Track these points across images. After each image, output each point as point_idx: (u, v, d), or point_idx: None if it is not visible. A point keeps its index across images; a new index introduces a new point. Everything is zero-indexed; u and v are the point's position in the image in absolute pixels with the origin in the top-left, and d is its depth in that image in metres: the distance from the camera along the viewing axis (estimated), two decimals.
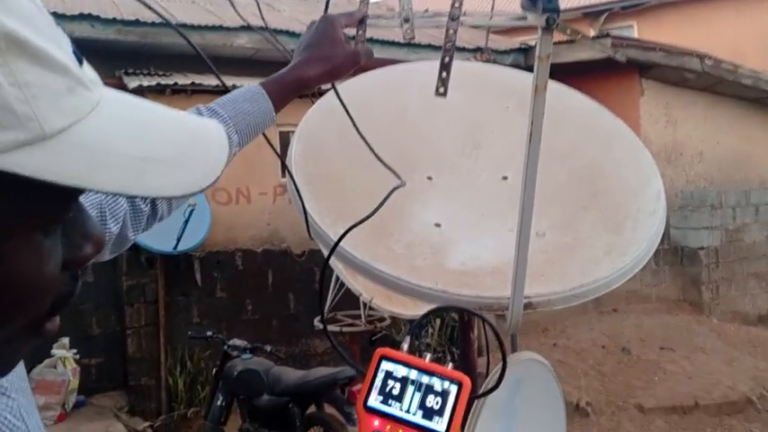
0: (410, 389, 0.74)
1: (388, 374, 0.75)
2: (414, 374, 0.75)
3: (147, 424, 5.49)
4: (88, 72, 0.45)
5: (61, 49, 0.43)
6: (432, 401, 0.74)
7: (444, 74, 0.92)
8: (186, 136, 0.50)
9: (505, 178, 1.69)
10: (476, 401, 1.34)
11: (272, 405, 4.10)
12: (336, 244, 1.02)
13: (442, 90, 0.93)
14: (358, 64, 1.04)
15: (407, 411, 0.73)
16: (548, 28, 0.93)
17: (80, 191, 0.45)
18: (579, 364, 6.30)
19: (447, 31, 0.91)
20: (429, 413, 0.73)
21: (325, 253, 1.68)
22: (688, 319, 7.62)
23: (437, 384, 0.74)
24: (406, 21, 0.95)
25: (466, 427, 1.36)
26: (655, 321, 7.39)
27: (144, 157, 0.44)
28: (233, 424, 4.67)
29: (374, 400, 0.74)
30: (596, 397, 5.80)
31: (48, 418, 5.15)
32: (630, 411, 5.64)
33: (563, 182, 1.62)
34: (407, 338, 0.80)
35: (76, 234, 0.49)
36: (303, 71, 1.02)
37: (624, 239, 1.45)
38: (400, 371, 0.75)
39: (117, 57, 6.04)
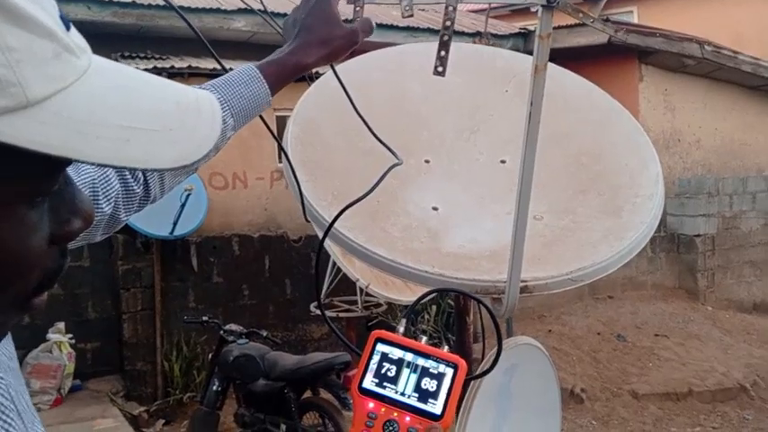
0: (405, 371, 0.73)
1: (384, 356, 0.74)
2: (409, 357, 0.74)
3: (142, 409, 5.50)
4: (76, 38, 0.44)
5: (47, 12, 0.41)
6: (427, 384, 0.73)
7: (443, 52, 0.90)
8: (177, 108, 0.48)
9: (504, 162, 1.68)
10: (471, 384, 1.34)
11: (267, 390, 4.11)
12: (331, 224, 1.00)
13: (440, 69, 0.91)
14: (356, 43, 1.01)
15: (402, 394, 0.72)
16: (548, 6, 0.91)
17: (66, 162, 0.44)
18: (574, 350, 6.33)
19: (446, 8, 0.90)
20: (424, 396, 0.72)
21: (321, 235, 1.67)
22: (683, 307, 7.64)
23: (433, 367, 0.73)
24: None
25: (462, 409, 1.36)
26: (650, 308, 7.41)
27: (130, 127, 0.42)
28: (229, 409, 4.68)
29: (369, 383, 0.73)
30: (591, 383, 5.83)
31: (43, 402, 5.15)
32: (625, 398, 5.67)
33: (561, 165, 1.61)
34: (403, 321, 0.79)
35: (65, 208, 0.48)
36: (302, 56, 0.99)
37: (622, 223, 1.44)
38: (396, 353, 0.74)
39: (113, 39, 5.99)
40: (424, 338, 0.76)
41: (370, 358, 0.73)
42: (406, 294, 3.93)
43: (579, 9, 0.93)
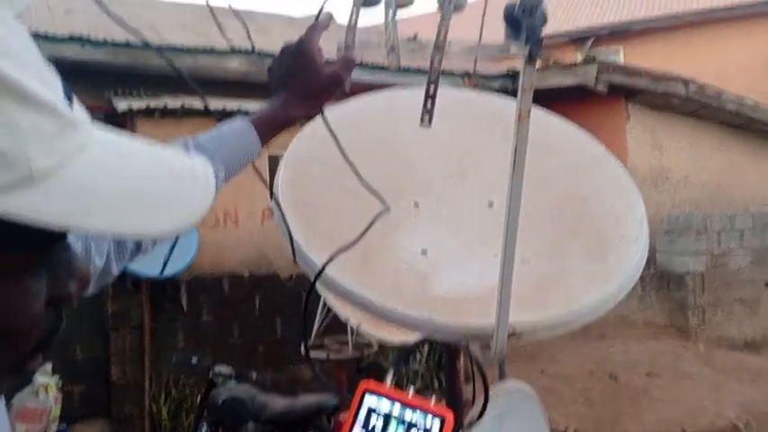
0: (393, 423, 0.73)
1: (372, 409, 0.74)
2: (397, 409, 0.74)
3: None
4: (78, 112, 0.45)
5: (52, 89, 0.43)
6: None
7: (429, 104, 0.92)
8: (172, 175, 0.50)
9: (491, 204, 1.70)
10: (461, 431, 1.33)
11: None
12: (321, 271, 1.01)
13: (427, 120, 0.93)
14: (342, 85, 1.03)
15: None
16: (531, 59, 0.94)
17: (65, 234, 0.46)
18: (567, 390, 6.28)
19: (432, 62, 0.92)
20: None
21: (311, 277, 1.67)
22: (675, 345, 7.63)
23: (420, 420, 0.74)
24: (392, 50, 0.96)
25: None
26: (642, 347, 7.39)
27: (129, 197, 0.44)
28: None
29: None
30: (584, 424, 5.77)
31: None
32: None
33: (548, 208, 1.62)
34: (391, 371, 0.80)
35: (62, 271, 0.49)
36: (290, 111, 1.01)
37: (608, 267, 1.46)
38: (383, 405, 0.74)
39: (107, 78, 6.05)
40: (412, 388, 0.77)
41: (358, 410, 0.74)
42: (398, 335, 3.91)
43: (560, 61, 0.95)
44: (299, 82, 0.99)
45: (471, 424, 1.08)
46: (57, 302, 0.49)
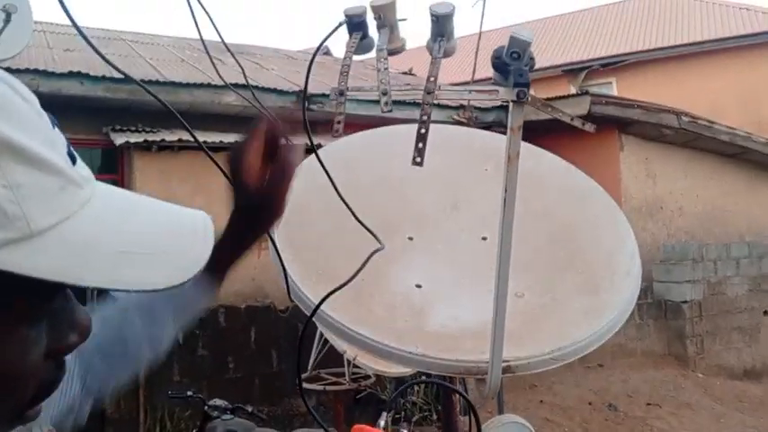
0: None
1: None
2: None
3: None
4: (81, 170, 0.47)
5: (55, 149, 0.45)
6: None
7: (421, 144, 0.95)
8: (172, 232, 0.51)
9: (485, 239, 1.72)
10: None
11: None
12: (315, 311, 1.03)
13: (418, 159, 0.96)
14: (290, 176, 0.86)
15: None
16: (518, 101, 0.96)
17: (64, 286, 0.47)
18: (566, 421, 6.23)
19: (423, 104, 0.95)
20: None
21: (307, 314, 1.68)
22: (674, 374, 7.59)
23: None
24: (384, 94, 0.99)
25: None
26: (641, 376, 7.35)
27: (127, 251, 0.45)
28: None
29: None
30: None
31: None
32: None
33: (540, 243, 1.65)
34: (384, 415, 0.80)
35: (63, 324, 0.50)
36: (235, 243, 0.92)
37: (601, 301, 1.47)
38: None
39: (105, 113, 6.10)
40: (406, 428, 0.77)
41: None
42: (394, 367, 3.89)
43: (549, 104, 0.99)
44: (238, 204, 0.88)
45: None
46: (56, 354, 0.49)
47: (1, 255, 0.39)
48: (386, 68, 1.00)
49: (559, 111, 1.06)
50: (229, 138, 5.99)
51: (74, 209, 0.44)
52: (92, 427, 5.72)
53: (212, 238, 0.54)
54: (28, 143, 0.42)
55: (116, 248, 0.45)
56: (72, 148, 0.47)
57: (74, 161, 0.46)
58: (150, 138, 5.86)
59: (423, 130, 0.98)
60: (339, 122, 1.09)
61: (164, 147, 5.80)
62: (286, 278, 1.30)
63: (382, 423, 0.76)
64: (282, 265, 1.27)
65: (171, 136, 5.96)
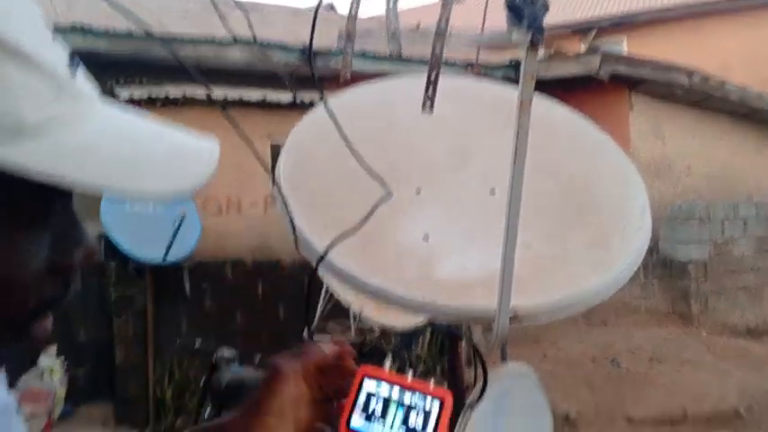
0: (392, 407, 0.74)
1: (371, 394, 0.75)
2: (396, 393, 0.75)
3: None
4: (81, 84, 0.47)
5: (54, 58, 0.44)
6: (414, 420, 0.74)
7: (431, 90, 0.93)
8: (174, 147, 0.51)
9: (493, 191, 1.71)
10: (461, 413, 1.35)
11: None
12: (321, 258, 1.03)
13: (428, 106, 0.94)
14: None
15: (390, 430, 0.73)
16: (533, 45, 0.94)
17: (63, 193, 0.47)
18: (569, 375, 6.31)
19: (433, 48, 0.93)
20: (413, 431, 0.73)
21: (313, 263, 1.68)
22: (677, 332, 7.65)
23: (419, 402, 0.75)
24: (393, 37, 0.96)
25: None
26: (644, 334, 7.41)
27: (122, 160, 0.46)
28: None
29: (357, 420, 0.73)
30: (585, 409, 5.81)
31: (34, 427, 5.10)
32: (619, 423, 5.65)
33: (550, 195, 1.63)
34: (389, 356, 0.81)
35: (66, 239, 0.50)
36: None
37: (610, 253, 1.47)
38: (382, 390, 0.75)
39: (109, 68, 6.04)
40: (410, 373, 0.78)
41: (357, 395, 0.74)
42: (400, 320, 3.93)
43: (560, 50, 0.96)
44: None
45: (472, 406, 1.09)
46: (59, 270, 0.50)
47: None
48: (395, 10, 0.97)
49: (575, 56, 1.03)
50: (233, 93, 5.94)
51: (69, 116, 0.44)
52: (101, 376, 5.84)
53: (216, 162, 0.54)
54: (25, 44, 0.41)
55: (113, 156, 0.45)
56: (78, 64, 0.47)
57: (74, 74, 0.46)
58: (155, 92, 5.81)
59: (433, 75, 0.96)
60: (346, 67, 1.07)
61: (168, 101, 5.76)
62: (293, 227, 1.30)
63: (387, 365, 0.77)
64: (289, 214, 1.27)
65: (175, 90, 5.91)
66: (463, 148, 1.79)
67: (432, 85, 0.94)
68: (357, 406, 0.74)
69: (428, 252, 1.54)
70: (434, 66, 0.94)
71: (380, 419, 0.73)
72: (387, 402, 0.74)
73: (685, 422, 5.65)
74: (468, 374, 2.29)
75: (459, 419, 1.30)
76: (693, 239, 8.02)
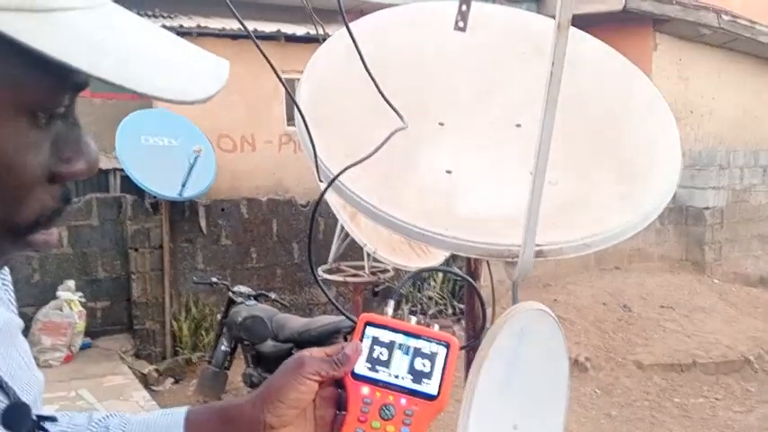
0: (398, 354, 0.72)
1: (375, 340, 0.73)
2: (400, 339, 0.73)
3: (152, 367, 5.59)
4: None
5: None
6: (420, 365, 0.72)
7: (464, 7, 0.88)
8: (186, 55, 0.50)
9: (519, 125, 1.65)
10: (479, 350, 1.34)
11: (275, 351, 4.15)
12: (335, 178, 1.00)
13: (461, 24, 0.89)
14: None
15: (396, 377, 0.71)
16: None
17: (71, 86, 0.46)
18: (579, 320, 6.36)
19: None
20: (419, 377, 0.71)
21: (334, 196, 1.66)
22: (690, 279, 7.65)
23: (425, 347, 0.72)
24: None
25: (470, 373, 1.36)
26: (656, 280, 7.41)
27: (139, 54, 0.44)
28: (237, 369, 4.74)
29: (362, 368, 0.71)
30: (595, 352, 5.87)
31: (54, 359, 5.24)
32: (629, 367, 5.71)
33: (576, 129, 1.58)
34: (391, 303, 0.78)
35: (69, 147, 0.49)
36: (244, 410, 0.70)
37: (638, 189, 1.42)
38: (386, 336, 0.73)
39: None
40: (414, 318, 0.75)
41: (360, 343, 0.72)
42: (414, 261, 3.93)
43: None
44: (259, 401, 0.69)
45: (469, 346, 1.08)
46: (61, 179, 0.48)
47: (6, 18, 0.38)
48: None
49: None
50: (252, 26, 5.81)
51: (79, 4, 0.42)
52: (120, 311, 5.95)
53: (226, 77, 0.51)
54: None
55: (130, 48, 0.44)
56: None
57: None
58: (168, 23, 5.70)
59: None
60: None
61: (182, 33, 5.65)
62: (315, 156, 1.27)
63: (390, 311, 0.74)
64: (312, 143, 1.23)
65: (189, 22, 5.80)
66: (488, 80, 1.73)
67: (465, 0, 0.88)
68: (362, 353, 0.72)
69: (451, 186, 1.50)
70: None
71: (385, 366, 0.71)
72: (391, 349, 0.72)
73: (694, 368, 5.70)
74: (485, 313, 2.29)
75: (478, 353, 1.28)
76: (711, 186, 7.92)
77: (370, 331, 0.73)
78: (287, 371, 0.69)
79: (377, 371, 0.71)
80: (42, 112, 0.45)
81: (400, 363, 0.71)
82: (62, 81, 0.45)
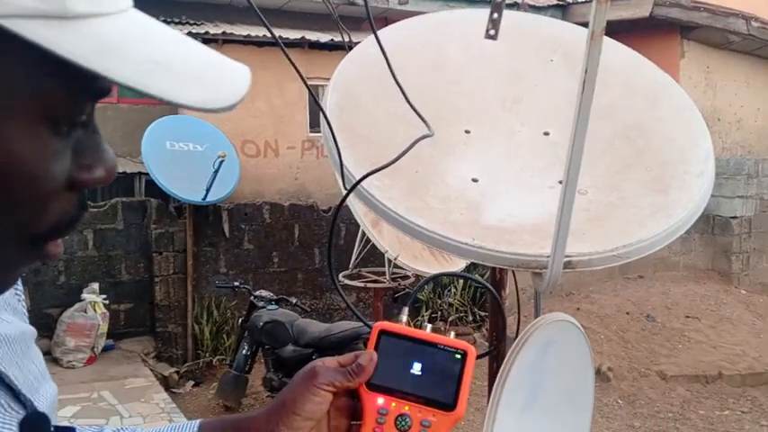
0: (413, 362, 0.70)
1: (389, 349, 0.71)
2: (415, 347, 0.71)
3: (173, 370, 5.62)
4: None
5: None
6: (436, 373, 0.70)
7: (496, 15, 0.86)
8: (209, 63, 0.50)
9: (547, 134, 1.63)
10: (505, 361, 1.32)
11: (296, 356, 4.15)
12: (356, 184, 0.99)
13: (492, 32, 0.88)
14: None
15: (412, 386, 0.70)
16: None
17: (94, 93, 0.46)
18: (602, 329, 6.28)
19: None
20: (434, 386, 0.69)
21: (357, 202, 1.65)
22: (716, 289, 7.51)
23: (440, 355, 0.70)
24: None
25: (494, 386, 1.34)
26: (681, 290, 7.30)
27: (159, 61, 0.44)
28: (257, 373, 4.76)
29: (377, 377, 0.70)
30: (618, 363, 5.79)
31: (77, 360, 5.29)
32: (652, 378, 5.62)
33: (607, 139, 1.56)
34: (405, 310, 0.76)
35: (89, 155, 0.48)
36: (259, 424, 0.68)
37: (670, 200, 1.40)
38: (401, 344, 0.71)
39: (149, 6, 5.97)
40: (429, 326, 0.74)
41: (376, 351, 0.71)
42: (435, 268, 3.91)
43: None
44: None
45: (486, 354, 1.06)
46: (79, 186, 0.48)
47: (34, 26, 0.38)
48: None
49: None
50: (276, 32, 5.84)
51: (110, 9, 0.43)
52: (142, 313, 6.01)
53: (248, 86, 0.50)
54: None
55: (152, 56, 0.44)
56: None
57: None
58: (194, 30, 5.76)
59: None
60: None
61: (208, 40, 5.70)
62: (341, 164, 1.26)
63: (404, 319, 0.72)
64: (338, 150, 1.23)
65: (215, 29, 5.85)
66: (515, 88, 1.71)
67: (497, 9, 0.87)
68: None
69: (477, 195, 1.49)
70: None
71: (400, 375, 0.70)
72: (406, 357, 0.71)
73: (720, 380, 5.59)
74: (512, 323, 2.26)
75: (504, 364, 1.27)
76: (739, 195, 7.78)
77: (385, 340, 0.71)
78: (300, 382, 0.68)
79: (392, 380, 0.70)
80: (64, 120, 0.45)
81: (416, 372, 0.70)
82: (84, 89, 0.45)
